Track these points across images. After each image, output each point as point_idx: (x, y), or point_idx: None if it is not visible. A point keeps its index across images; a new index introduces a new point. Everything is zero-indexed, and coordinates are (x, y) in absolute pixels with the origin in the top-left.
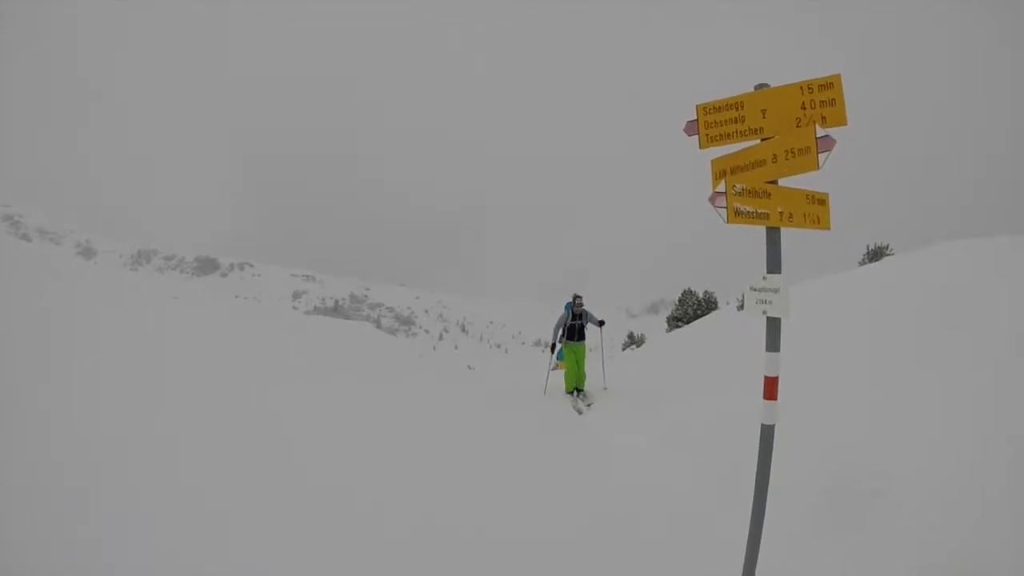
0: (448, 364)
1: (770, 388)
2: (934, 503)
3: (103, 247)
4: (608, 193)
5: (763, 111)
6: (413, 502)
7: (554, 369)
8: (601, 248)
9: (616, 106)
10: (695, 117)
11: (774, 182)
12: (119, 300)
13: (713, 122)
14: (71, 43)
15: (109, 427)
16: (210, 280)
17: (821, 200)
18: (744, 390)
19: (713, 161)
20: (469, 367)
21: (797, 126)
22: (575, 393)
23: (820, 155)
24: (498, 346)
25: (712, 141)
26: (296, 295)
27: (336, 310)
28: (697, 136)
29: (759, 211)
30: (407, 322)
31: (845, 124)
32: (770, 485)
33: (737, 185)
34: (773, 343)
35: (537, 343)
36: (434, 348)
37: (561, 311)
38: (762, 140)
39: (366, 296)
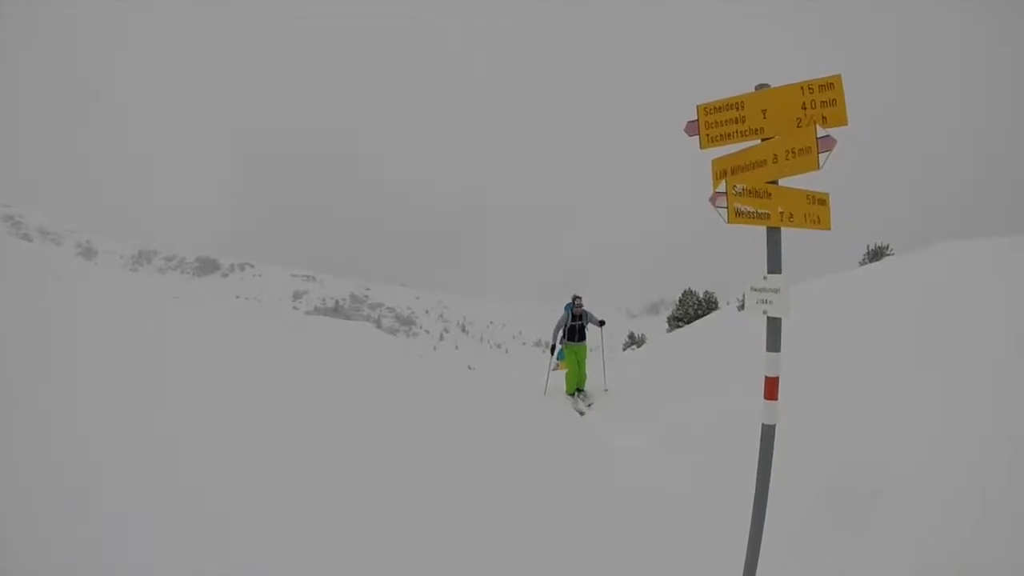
0: (448, 364)
1: (770, 388)
2: (934, 503)
3: (104, 247)
4: (608, 193)
5: (764, 111)
6: (413, 502)
7: (554, 370)
8: (601, 248)
9: (616, 106)
10: (696, 117)
11: (775, 182)
12: (119, 300)
13: (714, 122)
14: (71, 43)
15: (109, 427)
16: (211, 280)
17: (821, 200)
18: (744, 390)
19: (714, 161)
20: (469, 367)
21: (798, 126)
22: (576, 393)
23: (821, 155)
24: (498, 346)
25: (713, 141)
26: (296, 295)
27: (336, 310)
28: (698, 136)
29: (759, 211)
30: (407, 322)
31: (846, 124)
32: (770, 485)
33: (738, 185)
34: (773, 343)
35: (537, 343)
36: (434, 348)
37: (561, 312)
38: (763, 140)
39: (366, 296)
